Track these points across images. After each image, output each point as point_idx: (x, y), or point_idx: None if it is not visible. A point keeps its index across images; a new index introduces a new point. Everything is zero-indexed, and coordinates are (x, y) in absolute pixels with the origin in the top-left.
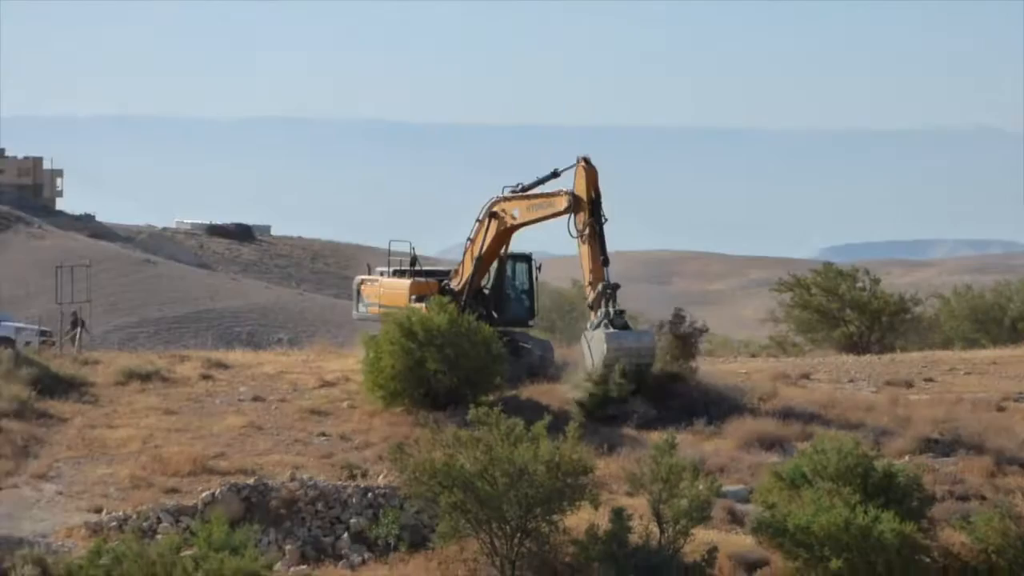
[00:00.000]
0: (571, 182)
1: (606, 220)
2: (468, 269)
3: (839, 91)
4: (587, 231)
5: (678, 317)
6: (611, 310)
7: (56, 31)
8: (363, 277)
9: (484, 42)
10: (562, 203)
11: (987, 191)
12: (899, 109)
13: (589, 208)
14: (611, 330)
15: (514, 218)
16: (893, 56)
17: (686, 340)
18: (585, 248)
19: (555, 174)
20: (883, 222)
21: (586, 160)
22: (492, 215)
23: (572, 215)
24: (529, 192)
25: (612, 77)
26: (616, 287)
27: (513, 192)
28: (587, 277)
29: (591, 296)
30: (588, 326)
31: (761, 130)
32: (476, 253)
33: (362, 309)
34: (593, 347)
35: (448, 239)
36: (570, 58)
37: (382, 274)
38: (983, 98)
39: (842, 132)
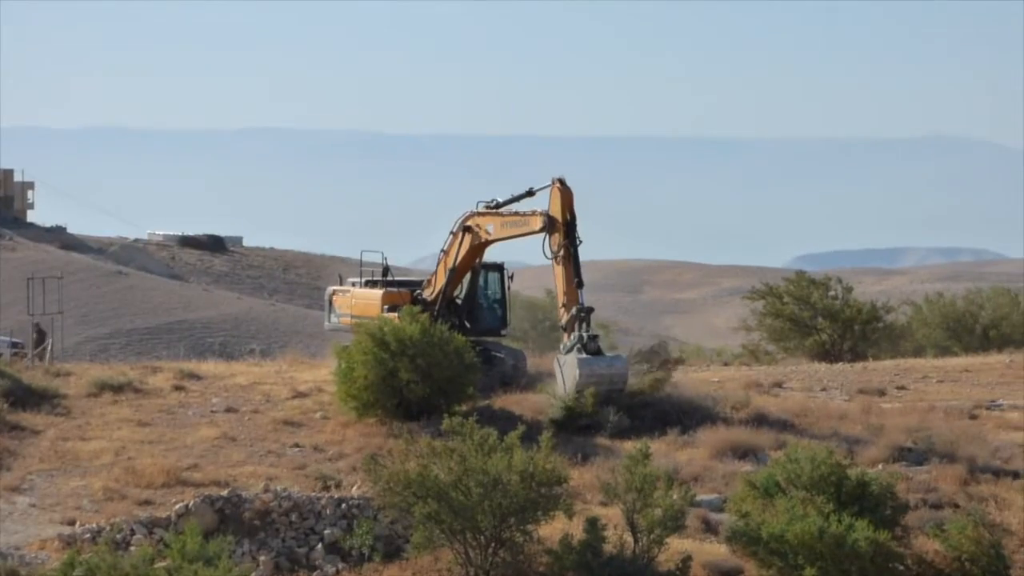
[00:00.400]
0: (546, 201)
1: (581, 242)
2: (441, 280)
3: (811, 101)
4: (561, 253)
5: (654, 352)
6: (584, 334)
7: (27, 43)
8: (335, 288)
9: (460, 52)
10: (537, 223)
11: (957, 199)
12: (870, 119)
13: (564, 230)
14: (583, 356)
15: (488, 233)
16: (865, 67)
17: (661, 370)
18: (560, 270)
19: (530, 193)
20: (854, 231)
21: (561, 181)
22: (466, 229)
23: (547, 236)
24: (504, 209)
25: (584, 88)
26: (590, 310)
27: (488, 207)
28: (561, 299)
29: (564, 318)
30: (561, 349)
31: (734, 140)
32: (450, 265)
33: (334, 320)
34: (565, 372)
35: (421, 249)
36: (547, 70)
37: (354, 285)
38: (953, 108)
39: (813, 142)
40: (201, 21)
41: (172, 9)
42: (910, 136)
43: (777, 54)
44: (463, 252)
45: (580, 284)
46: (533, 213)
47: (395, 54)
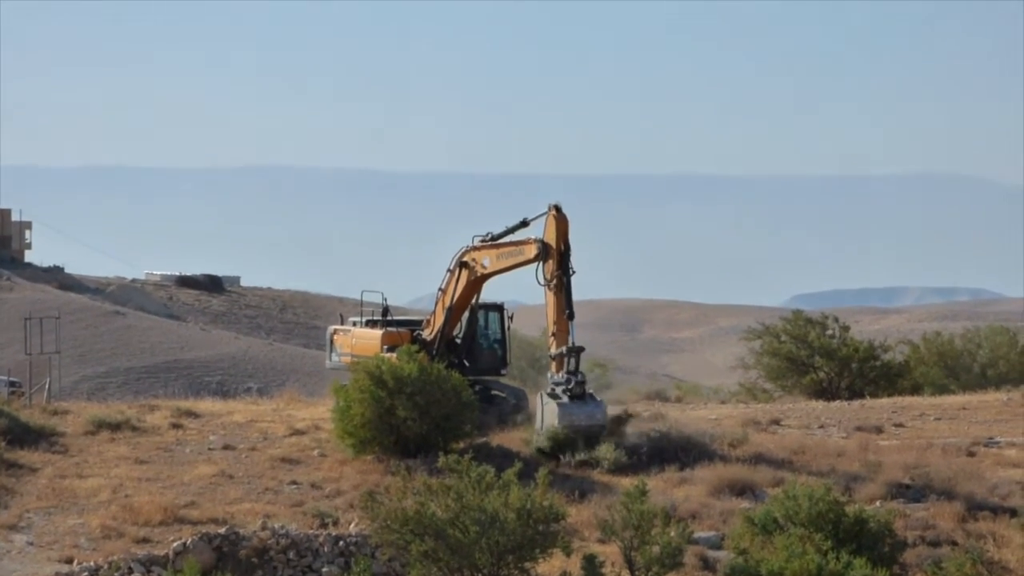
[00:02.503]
0: (541, 230)
1: (574, 272)
2: (439, 319)
3: (808, 139)
4: (554, 282)
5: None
6: (571, 377)
7: (24, 82)
8: (336, 327)
9: (454, 90)
10: (532, 251)
11: (954, 238)
12: (867, 156)
13: (557, 260)
14: (564, 401)
15: (484, 267)
16: (861, 104)
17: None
18: (551, 298)
19: (524, 223)
20: (851, 270)
21: (557, 208)
22: (462, 264)
23: (541, 263)
24: (499, 241)
25: (580, 126)
26: (580, 350)
27: (483, 241)
28: (551, 328)
29: (553, 349)
30: (548, 381)
31: (730, 178)
32: (447, 303)
33: (335, 359)
34: (545, 414)
35: (420, 288)
36: (543, 108)
37: (355, 324)
38: (949, 145)
39: (810, 180)
40: (199, 60)
41: (170, 48)
42: (906, 173)
43: (772, 92)
44: (460, 288)
45: (571, 316)
46: (527, 241)
47: (392, 93)
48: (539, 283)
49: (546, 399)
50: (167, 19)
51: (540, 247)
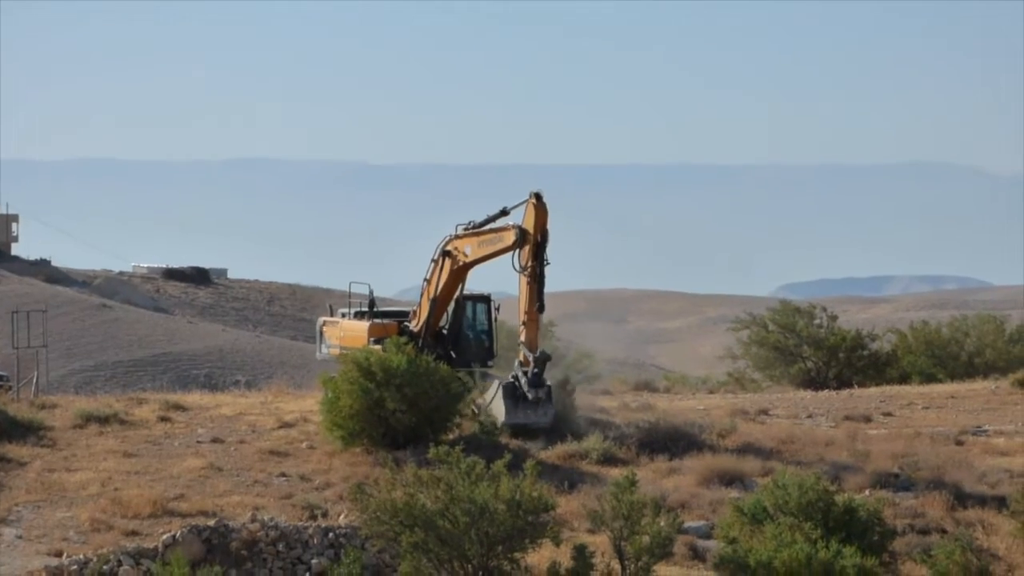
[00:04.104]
0: (521, 219)
1: (548, 263)
2: (425, 310)
3: (795, 129)
4: (528, 271)
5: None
6: (533, 387)
7: (11, 76)
8: (325, 319)
9: (444, 82)
10: (510, 237)
11: (942, 227)
12: (855, 146)
13: (533, 250)
14: (511, 403)
15: (466, 255)
16: (848, 93)
17: None
18: (524, 285)
19: (504, 212)
20: (839, 259)
21: (537, 196)
22: (445, 254)
23: (518, 249)
24: (480, 229)
25: (568, 116)
26: (546, 359)
27: (465, 230)
28: (521, 316)
29: (523, 336)
30: (516, 365)
31: (717, 167)
32: (432, 293)
33: (325, 351)
34: (494, 404)
35: (407, 280)
36: (531, 99)
37: (343, 316)
38: (937, 134)
39: (797, 169)
40: (188, 54)
41: (158, 42)
42: (894, 162)
43: (759, 82)
44: (444, 278)
45: (541, 308)
46: (507, 228)
47: (378, 86)
48: (514, 269)
49: (499, 392)
50: (157, 14)
51: (518, 234)
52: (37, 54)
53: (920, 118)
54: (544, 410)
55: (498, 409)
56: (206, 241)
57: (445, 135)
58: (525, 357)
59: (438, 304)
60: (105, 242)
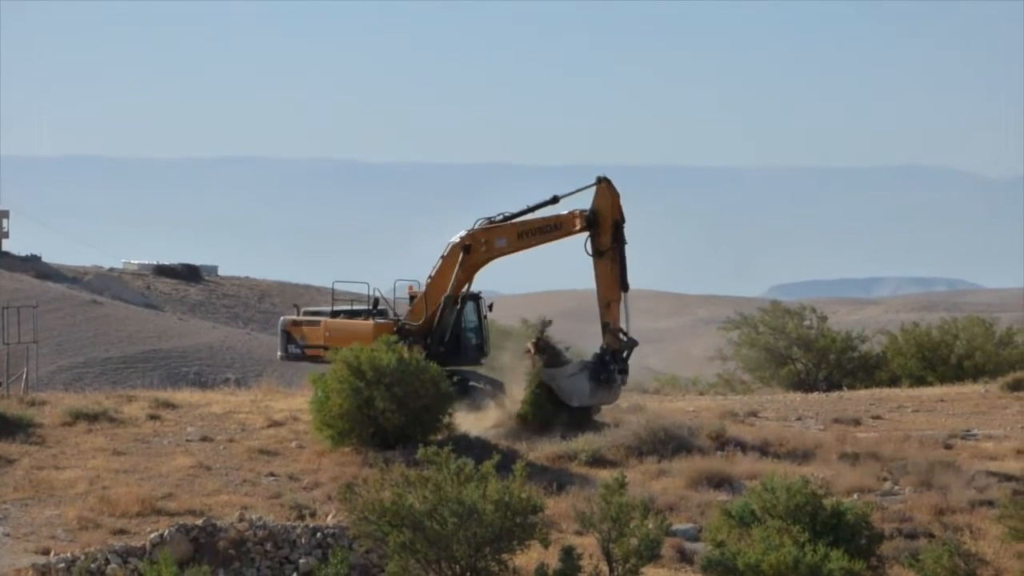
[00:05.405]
0: (568, 207)
1: (626, 243)
2: (432, 306)
3: (787, 131)
4: (608, 253)
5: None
6: (620, 371)
7: (1, 72)
8: (292, 318)
9: (435, 81)
10: (578, 222)
11: (932, 229)
12: (846, 148)
13: (612, 231)
14: (596, 385)
15: (499, 247)
16: (840, 96)
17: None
18: (603, 267)
19: (555, 199)
20: (830, 260)
21: (608, 181)
22: (465, 248)
23: (589, 234)
24: (523, 219)
25: (560, 117)
26: (634, 344)
27: (491, 221)
28: (603, 300)
29: (608, 318)
30: (602, 348)
31: (709, 169)
32: (446, 289)
33: (293, 350)
34: (572, 383)
35: (393, 278)
36: (523, 98)
37: (315, 315)
38: (928, 137)
39: (789, 171)
40: (181, 51)
41: (151, 38)
42: (885, 165)
43: (751, 84)
44: (460, 274)
45: (625, 287)
46: (570, 214)
47: (368, 84)
48: (587, 253)
49: (585, 373)
50: (147, 12)
51: (587, 218)
52: (27, 51)
53: (911, 121)
54: (615, 392)
55: (578, 388)
56: (197, 238)
57: (436, 134)
58: (612, 339)
59: (451, 299)
60: (96, 238)
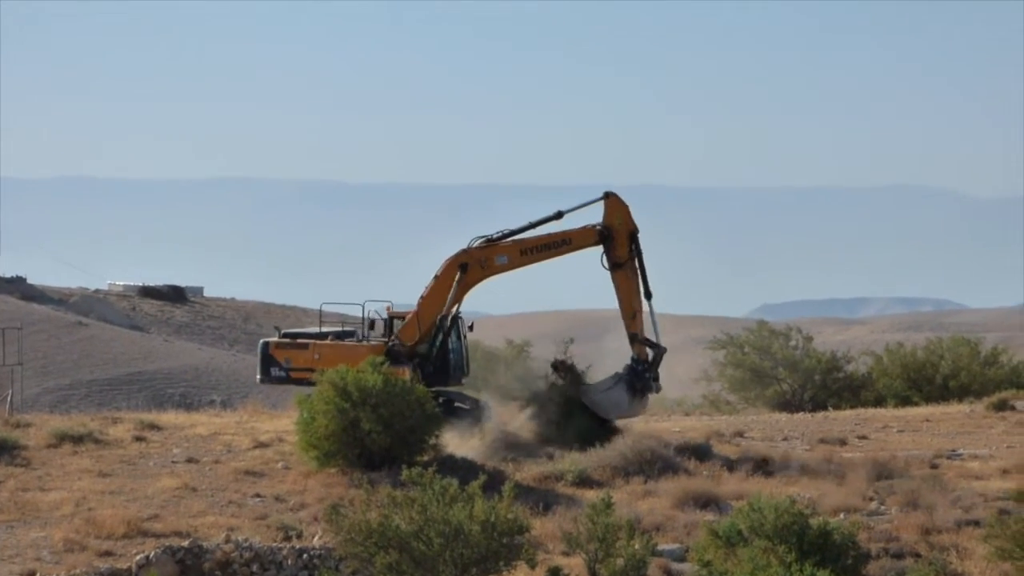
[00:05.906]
0: (578, 222)
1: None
2: (425, 326)
3: (774, 151)
4: (628, 263)
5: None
6: (654, 380)
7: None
8: (276, 340)
9: (421, 103)
10: (592, 236)
11: (918, 249)
12: (833, 168)
13: (627, 243)
14: (632, 396)
15: (500, 264)
16: (827, 116)
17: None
18: (623, 280)
19: (559, 215)
20: (816, 280)
21: (615, 194)
22: (461, 267)
23: (604, 247)
24: (524, 236)
25: (545, 138)
26: (663, 351)
27: (489, 241)
28: (629, 309)
29: (633, 330)
30: (631, 360)
31: (696, 189)
32: (440, 309)
33: (276, 373)
34: (611, 397)
35: (370, 298)
36: (509, 120)
37: (297, 337)
38: (915, 158)
39: (776, 191)
40: (169, 72)
41: (139, 60)
42: (872, 185)
43: (739, 105)
44: (458, 292)
45: (649, 295)
46: (583, 229)
47: (359, 104)
48: (603, 267)
49: (622, 385)
50: (135, 34)
51: (600, 232)
52: (15, 73)
53: (898, 142)
54: (645, 403)
55: (616, 401)
56: (182, 259)
57: (423, 155)
58: (641, 352)
59: (445, 318)
60: (81, 260)
